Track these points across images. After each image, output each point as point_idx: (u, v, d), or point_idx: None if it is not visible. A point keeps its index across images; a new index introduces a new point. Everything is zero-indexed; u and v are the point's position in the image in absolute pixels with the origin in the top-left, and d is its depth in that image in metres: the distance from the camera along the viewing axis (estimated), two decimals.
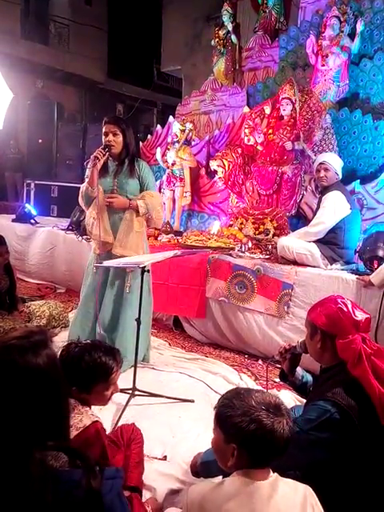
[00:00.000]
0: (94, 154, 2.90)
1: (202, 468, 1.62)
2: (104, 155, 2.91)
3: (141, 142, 7.09)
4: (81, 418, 1.58)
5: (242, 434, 1.18)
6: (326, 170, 3.46)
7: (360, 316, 1.57)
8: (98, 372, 1.66)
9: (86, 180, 3.00)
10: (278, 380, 3.13)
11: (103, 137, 3.00)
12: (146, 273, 2.75)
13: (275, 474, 1.20)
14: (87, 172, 3.00)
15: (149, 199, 3.00)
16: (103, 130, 3.00)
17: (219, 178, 4.98)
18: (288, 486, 1.19)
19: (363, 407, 1.46)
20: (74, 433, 1.52)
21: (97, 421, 1.61)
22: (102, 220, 2.97)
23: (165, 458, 2.18)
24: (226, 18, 6.53)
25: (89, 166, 2.94)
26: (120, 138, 2.98)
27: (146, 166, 3.09)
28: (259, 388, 2.85)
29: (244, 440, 1.18)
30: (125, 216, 3.01)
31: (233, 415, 1.21)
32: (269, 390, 2.86)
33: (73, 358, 1.64)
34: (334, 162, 3.49)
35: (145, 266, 2.62)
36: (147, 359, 3.28)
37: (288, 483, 1.20)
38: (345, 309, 1.57)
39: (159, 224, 3.16)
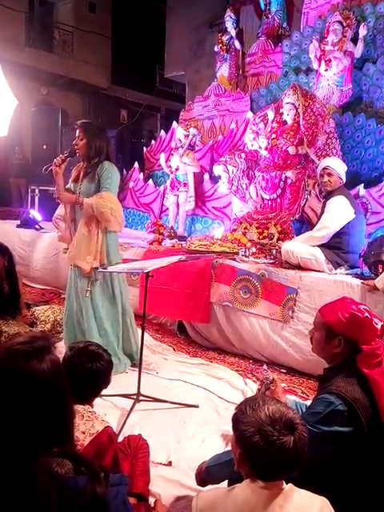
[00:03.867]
0: (55, 160, 3.00)
1: (208, 473, 1.61)
2: (63, 161, 3.01)
3: (144, 148, 7.13)
4: (92, 423, 1.60)
5: (245, 443, 1.18)
6: (330, 174, 3.45)
7: (379, 323, 1.59)
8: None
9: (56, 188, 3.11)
10: (283, 385, 3.12)
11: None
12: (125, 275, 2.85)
13: (289, 484, 1.18)
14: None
15: (95, 199, 2.95)
16: None
17: (223, 182, 4.99)
18: (302, 497, 1.17)
19: (367, 400, 1.48)
20: (87, 439, 1.54)
21: (108, 426, 1.64)
22: (67, 225, 3.10)
23: (170, 463, 2.17)
24: (229, 24, 6.58)
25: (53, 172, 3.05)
26: (82, 142, 3.03)
27: (107, 168, 3.00)
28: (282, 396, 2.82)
29: (247, 449, 1.18)
30: (79, 221, 3.08)
31: (242, 422, 1.19)
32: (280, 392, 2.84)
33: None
34: (337, 166, 3.49)
35: (148, 272, 2.62)
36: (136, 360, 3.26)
37: (302, 494, 1.18)
38: (369, 316, 1.58)
39: (109, 226, 3.02)
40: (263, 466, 1.16)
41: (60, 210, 3.17)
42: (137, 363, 3.15)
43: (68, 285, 3.25)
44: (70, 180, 3.16)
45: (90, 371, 1.71)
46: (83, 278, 3.09)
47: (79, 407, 1.61)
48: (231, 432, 1.26)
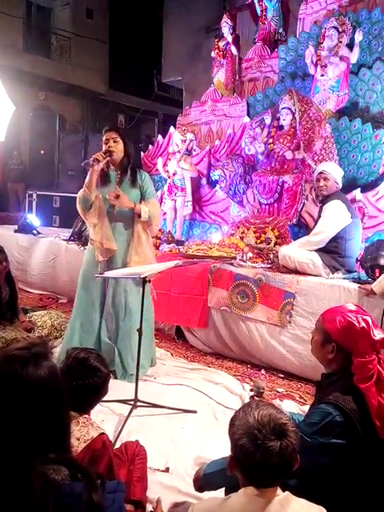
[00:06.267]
0: (94, 155, 2.92)
1: (205, 480, 1.61)
2: (104, 158, 2.94)
3: (142, 153, 7.15)
4: (87, 430, 1.58)
5: (234, 446, 1.18)
6: (326, 179, 3.46)
7: (378, 336, 1.54)
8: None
9: (85, 185, 3.01)
10: (281, 390, 3.12)
11: (104, 145, 3.04)
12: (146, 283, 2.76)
13: (286, 492, 1.18)
14: (87, 177, 3.02)
15: (151, 207, 3.03)
16: (104, 138, 3.04)
17: (220, 187, 5.00)
18: (300, 506, 1.16)
19: (364, 412, 1.46)
20: (82, 445, 1.53)
21: (103, 433, 1.62)
22: (102, 226, 3.00)
23: (167, 469, 2.16)
24: (225, 30, 6.60)
25: (88, 168, 2.97)
26: (120, 145, 3.02)
27: (147, 176, 3.15)
28: (275, 402, 2.82)
29: (235, 452, 1.18)
30: (135, 229, 3.05)
31: (234, 425, 1.21)
32: (271, 400, 2.83)
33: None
34: (333, 171, 3.50)
35: (145, 277, 2.61)
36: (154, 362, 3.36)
37: (300, 503, 1.17)
38: (366, 328, 1.54)
39: (156, 232, 3.23)
40: (250, 470, 1.16)
41: (90, 225, 3.06)
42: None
43: (91, 292, 3.14)
44: (88, 185, 3.01)
45: (82, 387, 1.66)
46: (139, 287, 3.03)
47: (74, 413, 1.60)
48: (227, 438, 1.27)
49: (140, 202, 3.08)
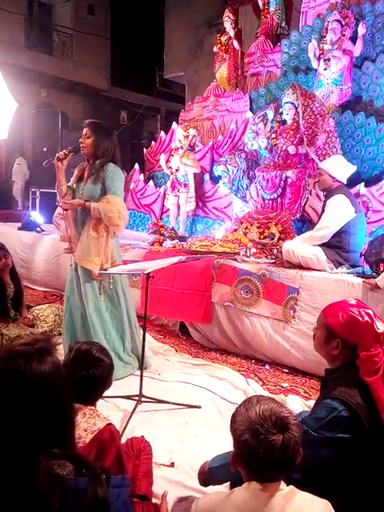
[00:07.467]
0: (57, 154, 2.97)
1: (210, 474, 1.61)
2: (66, 156, 2.98)
3: (145, 149, 7.14)
4: (94, 421, 1.59)
5: (237, 441, 1.18)
6: (320, 174, 3.47)
7: (382, 328, 1.54)
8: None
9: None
10: (285, 385, 3.12)
11: None
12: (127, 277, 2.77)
13: (290, 486, 1.18)
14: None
15: (102, 204, 2.91)
16: None
17: (223, 183, 4.99)
18: (304, 500, 1.16)
19: (370, 406, 1.46)
20: (89, 436, 1.53)
21: (110, 423, 1.62)
22: (70, 222, 3.05)
23: (172, 464, 2.17)
24: (227, 24, 6.57)
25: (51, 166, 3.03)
26: (89, 140, 2.98)
27: (112, 171, 2.96)
28: (275, 397, 2.82)
29: (238, 447, 1.18)
30: (86, 223, 3.02)
31: (235, 421, 1.21)
32: (276, 395, 2.84)
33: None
34: (328, 166, 3.47)
35: (149, 273, 2.62)
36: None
37: (304, 496, 1.17)
38: (370, 321, 1.54)
39: (116, 230, 3.02)
40: (254, 465, 1.16)
41: (60, 209, 3.14)
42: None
43: (68, 287, 3.22)
44: (73, 179, 3.14)
45: (86, 378, 1.66)
46: (92, 282, 3.06)
47: (80, 405, 1.61)
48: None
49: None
